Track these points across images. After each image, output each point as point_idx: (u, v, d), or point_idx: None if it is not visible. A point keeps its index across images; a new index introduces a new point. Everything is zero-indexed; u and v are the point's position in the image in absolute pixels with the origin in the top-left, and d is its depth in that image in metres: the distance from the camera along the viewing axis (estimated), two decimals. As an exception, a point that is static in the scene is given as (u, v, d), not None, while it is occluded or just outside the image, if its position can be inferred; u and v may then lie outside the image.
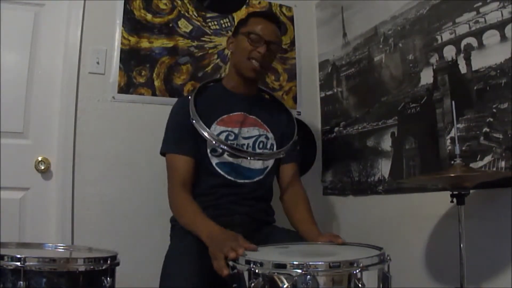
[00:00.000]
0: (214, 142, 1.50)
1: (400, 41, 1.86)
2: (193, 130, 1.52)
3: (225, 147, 1.50)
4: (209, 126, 1.54)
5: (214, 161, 1.55)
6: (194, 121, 1.51)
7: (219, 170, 1.55)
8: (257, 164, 1.60)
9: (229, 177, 1.55)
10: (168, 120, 1.62)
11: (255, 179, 1.59)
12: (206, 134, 1.50)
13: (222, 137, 1.55)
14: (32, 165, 1.85)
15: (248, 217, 1.54)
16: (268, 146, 1.63)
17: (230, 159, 1.56)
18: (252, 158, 1.55)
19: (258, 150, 1.60)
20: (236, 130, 1.58)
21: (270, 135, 1.65)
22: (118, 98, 1.98)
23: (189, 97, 1.59)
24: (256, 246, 1.16)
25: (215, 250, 1.16)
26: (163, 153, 1.58)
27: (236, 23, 1.72)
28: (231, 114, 1.60)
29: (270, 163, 1.63)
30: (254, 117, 1.64)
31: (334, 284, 0.99)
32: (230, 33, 2.19)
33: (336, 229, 2.18)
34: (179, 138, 1.55)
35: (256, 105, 1.67)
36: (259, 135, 1.62)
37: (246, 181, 1.57)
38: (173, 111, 1.63)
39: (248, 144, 1.60)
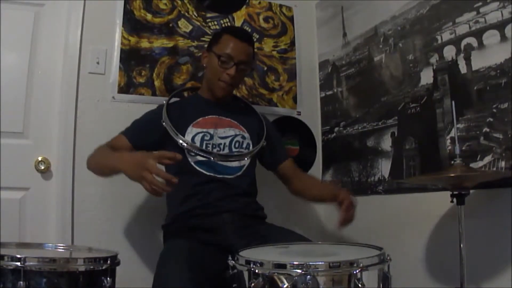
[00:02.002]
0: (181, 141, 1.57)
1: (400, 41, 1.86)
2: (156, 130, 1.60)
3: (190, 147, 1.58)
4: (185, 128, 1.62)
5: (192, 160, 1.60)
6: (164, 123, 1.60)
7: (198, 168, 1.59)
8: (233, 162, 1.65)
9: (208, 173, 1.59)
10: (142, 115, 1.70)
11: (233, 175, 1.62)
12: (172, 133, 1.58)
13: (198, 137, 1.62)
14: (32, 165, 1.85)
15: (237, 214, 1.57)
16: (244, 145, 1.68)
17: (205, 159, 1.61)
18: (215, 159, 1.60)
19: (234, 149, 1.65)
20: (211, 131, 1.65)
21: (247, 135, 1.70)
22: (118, 98, 1.97)
23: (164, 102, 1.69)
24: (170, 153, 1.31)
25: (134, 177, 1.28)
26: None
27: (212, 36, 1.79)
28: (206, 117, 1.67)
29: (246, 162, 1.67)
30: (228, 119, 1.70)
31: (334, 284, 1.00)
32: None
33: (336, 229, 2.18)
34: (135, 128, 1.65)
35: (230, 109, 1.74)
36: (235, 135, 1.68)
37: (225, 176, 1.61)
38: (148, 112, 1.71)
39: (224, 143, 1.65)
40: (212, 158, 1.59)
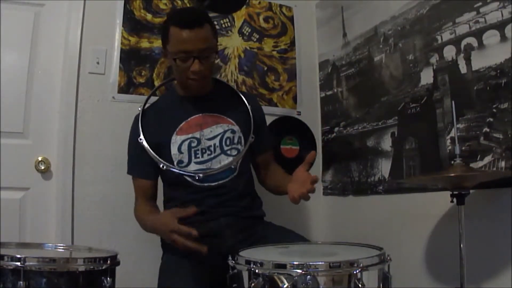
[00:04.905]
0: (160, 165, 1.50)
1: (400, 41, 1.86)
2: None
3: (171, 169, 1.49)
4: (169, 138, 1.52)
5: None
6: (141, 141, 1.52)
7: (191, 180, 1.51)
8: (225, 164, 1.54)
9: (201, 184, 1.51)
10: (129, 139, 1.62)
11: (229, 178, 1.53)
12: (152, 154, 1.51)
13: (185, 146, 1.52)
14: (32, 165, 1.85)
15: (234, 217, 1.51)
16: (236, 141, 1.56)
17: (197, 167, 1.52)
18: (198, 177, 1.49)
19: (226, 148, 1.54)
20: (197, 135, 1.53)
21: (236, 127, 1.58)
22: (118, 98, 1.97)
23: (139, 109, 1.60)
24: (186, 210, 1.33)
25: (167, 239, 1.32)
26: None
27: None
28: (188, 119, 1.54)
29: (239, 158, 1.55)
30: (215, 114, 1.57)
31: (334, 284, 1.00)
32: (230, 33, 2.21)
33: (336, 229, 2.18)
34: (137, 161, 1.58)
35: (214, 101, 1.60)
36: (224, 131, 1.55)
37: (220, 182, 1.52)
38: (130, 130, 1.61)
39: (214, 144, 1.54)
40: (197, 178, 1.49)
